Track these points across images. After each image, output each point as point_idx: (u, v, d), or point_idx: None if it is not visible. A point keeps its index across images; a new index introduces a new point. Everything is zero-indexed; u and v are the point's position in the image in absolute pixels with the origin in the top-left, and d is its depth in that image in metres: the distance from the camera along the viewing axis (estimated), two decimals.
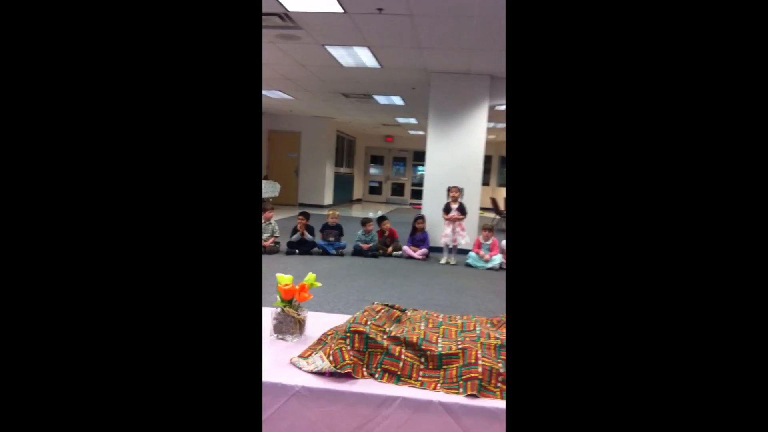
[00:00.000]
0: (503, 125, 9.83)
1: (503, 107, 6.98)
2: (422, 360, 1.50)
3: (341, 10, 3.91)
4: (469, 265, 5.45)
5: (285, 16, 4.14)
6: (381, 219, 6.13)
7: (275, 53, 5.41)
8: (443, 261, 5.59)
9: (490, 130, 10.06)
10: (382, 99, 8.03)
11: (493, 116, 7.40)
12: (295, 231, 5.66)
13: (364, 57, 5.36)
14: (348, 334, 1.53)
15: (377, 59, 5.42)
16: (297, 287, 1.75)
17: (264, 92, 8.06)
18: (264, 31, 4.52)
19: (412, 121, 10.60)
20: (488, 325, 1.82)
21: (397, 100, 8.05)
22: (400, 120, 10.66)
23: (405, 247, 5.85)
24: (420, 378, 1.45)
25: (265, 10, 3.94)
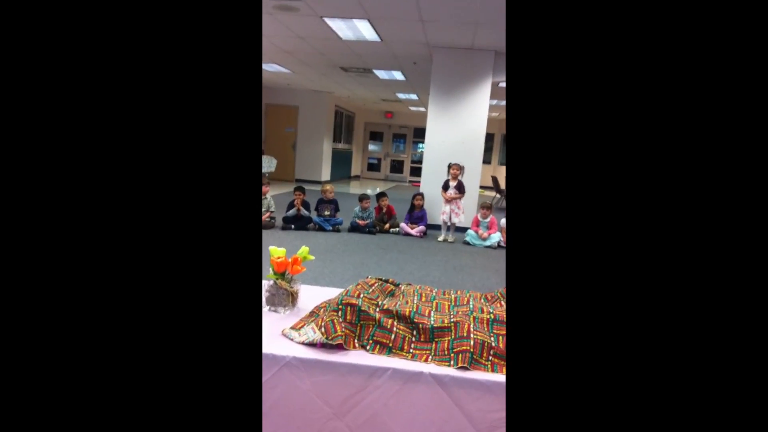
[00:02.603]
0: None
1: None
2: (414, 333, 1.50)
3: None
4: (467, 243, 5.46)
5: None
6: (380, 195, 6.11)
7: (273, 25, 5.29)
8: (441, 239, 5.59)
9: (492, 108, 9.97)
10: (382, 74, 7.90)
11: (496, 93, 7.30)
12: (291, 206, 5.64)
13: (364, 30, 5.25)
14: (340, 306, 1.52)
15: (377, 32, 5.30)
16: (290, 260, 1.74)
17: (262, 65, 7.92)
18: (262, 1, 4.41)
19: (413, 96, 10.46)
20: (482, 300, 1.82)
21: (398, 75, 7.93)
22: (401, 96, 10.52)
23: (402, 224, 5.84)
24: (411, 350, 1.45)
25: None
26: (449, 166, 5.70)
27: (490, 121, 6.38)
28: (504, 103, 9.74)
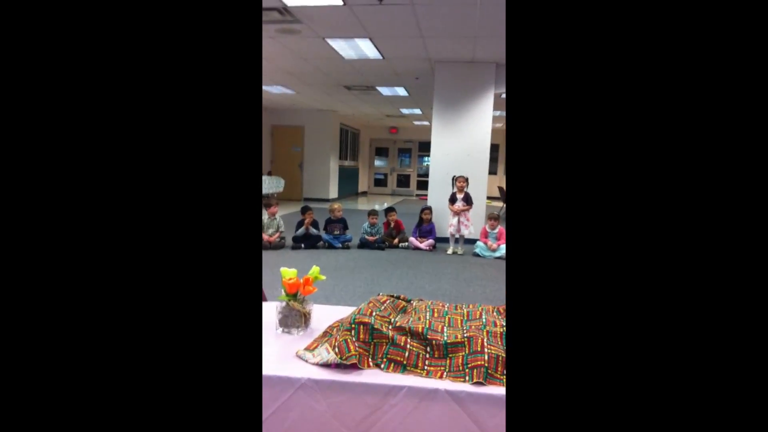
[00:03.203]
0: None
1: None
2: (428, 349, 1.50)
3: (341, 2, 3.88)
4: (477, 255, 5.44)
5: (284, 10, 4.12)
6: (388, 210, 6.13)
7: (276, 48, 5.39)
8: (450, 251, 5.57)
9: (496, 119, 9.98)
10: (385, 90, 7.99)
11: (499, 104, 7.33)
12: (300, 225, 5.67)
13: (366, 48, 5.33)
14: (353, 326, 1.53)
15: (379, 50, 5.38)
16: (301, 281, 1.75)
17: (265, 87, 8.04)
18: (263, 26, 4.50)
19: (417, 111, 10.54)
20: (494, 314, 1.82)
21: (401, 91, 8.01)
22: (405, 111, 10.61)
23: (411, 239, 5.84)
24: (426, 367, 1.45)
25: (264, 5, 3.92)
26: (454, 179, 5.71)
27: (495, 132, 6.40)
28: None
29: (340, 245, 5.65)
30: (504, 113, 9.69)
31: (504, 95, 6.72)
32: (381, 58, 5.71)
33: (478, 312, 1.80)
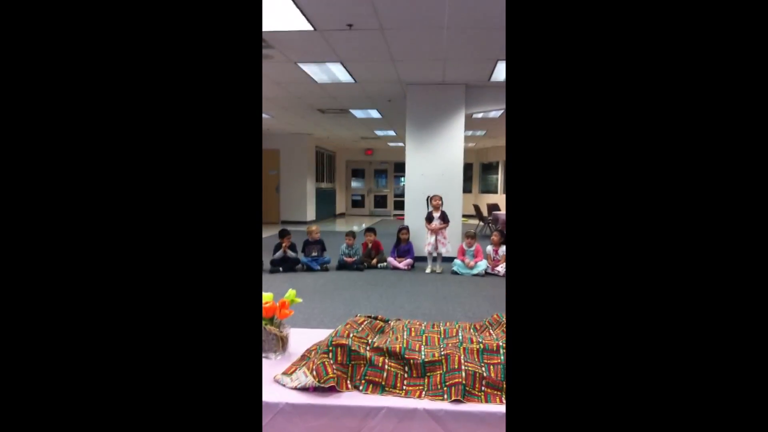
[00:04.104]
0: (482, 133, 9.95)
1: (480, 115, 7.08)
2: (406, 369, 1.51)
3: (311, 28, 3.95)
4: (455, 273, 5.48)
5: None
6: (367, 230, 6.15)
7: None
8: (428, 270, 5.60)
9: (468, 138, 10.20)
10: (358, 113, 8.08)
11: (470, 124, 7.50)
12: (277, 248, 5.63)
13: (338, 73, 5.41)
14: (330, 348, 1.53)
15: (351, 74, 5.47)
16: (277, 304, 1.74)
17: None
18: None
19: (391, 133, 10.67)
20: (471, 330, 1.84)
21: (374, 113, 8.11)
22: (379, 132, 10.72)
23: (390, 258, 5.86)
24: (404, 387, 1.45)
25: None
26: (428, 199, 5.78)
27: (468, 151, 6.54)
28: (480, 133, 9.98)
29: (319, 267, 5.62)
30: (474, 133, 9.89)
31: (474, 116, 6.88)
32: (353, 81, 5.80)
33: (455, 329, 1.82)
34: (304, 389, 1.43)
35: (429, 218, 5.72)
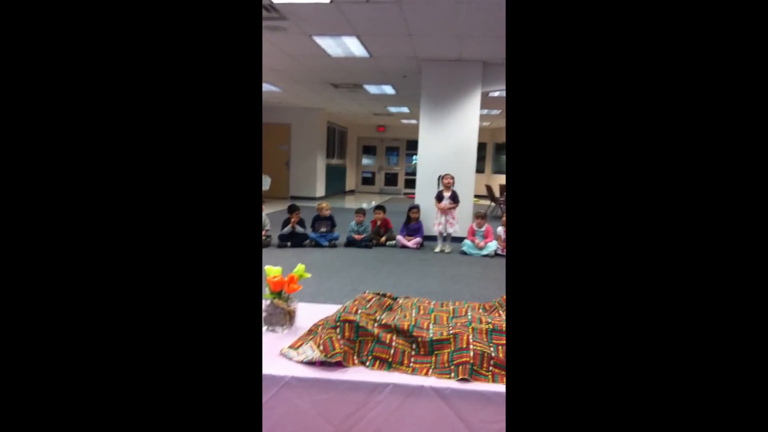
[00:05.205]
0: (497, 112, 9.79)
1: (496, 94, 6.94)
2: (413, 346, 1.50)
3: (327, 0, 3.86)
4: (464, 253, 5.46)
5: (270, 7, 4.08)
6: (377, 208, 6.13)
7: (263, 45, 5.35)
8: (437, 249, 5.59)
9: (483, 117, 10.02)
10: (372, 88, 7.97)
11: (486, 103, 7.35)
12: (286, 224, 5.64)
13: (353, 46, 5.31)
14: (338, 324, 1.52)
15: (366, 48, 5.36)
16: (286, 279, 1.74)
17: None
18: None
19: (404, 110, 10.54)
20: (480, 311, 1.82)
21: (388, 89, 7.99)
22: (392, 109, 10.60)
23: (399, 237, 5.84)
24: (411, 364, 1.45)
25: None
26: (440, 178, 5.73)
27: (482, 130, 6.44)
28: (495, 112, 9.82)
29: (327, 243, 5.63)
30: (490, 111, 9.73)
31: (491, 94, 6.75)
32: (368, 56, 5.69)
33: (464, 309, 1.81)
34: (310, 363, 1.43)
35: (439, 197, 5.67)
